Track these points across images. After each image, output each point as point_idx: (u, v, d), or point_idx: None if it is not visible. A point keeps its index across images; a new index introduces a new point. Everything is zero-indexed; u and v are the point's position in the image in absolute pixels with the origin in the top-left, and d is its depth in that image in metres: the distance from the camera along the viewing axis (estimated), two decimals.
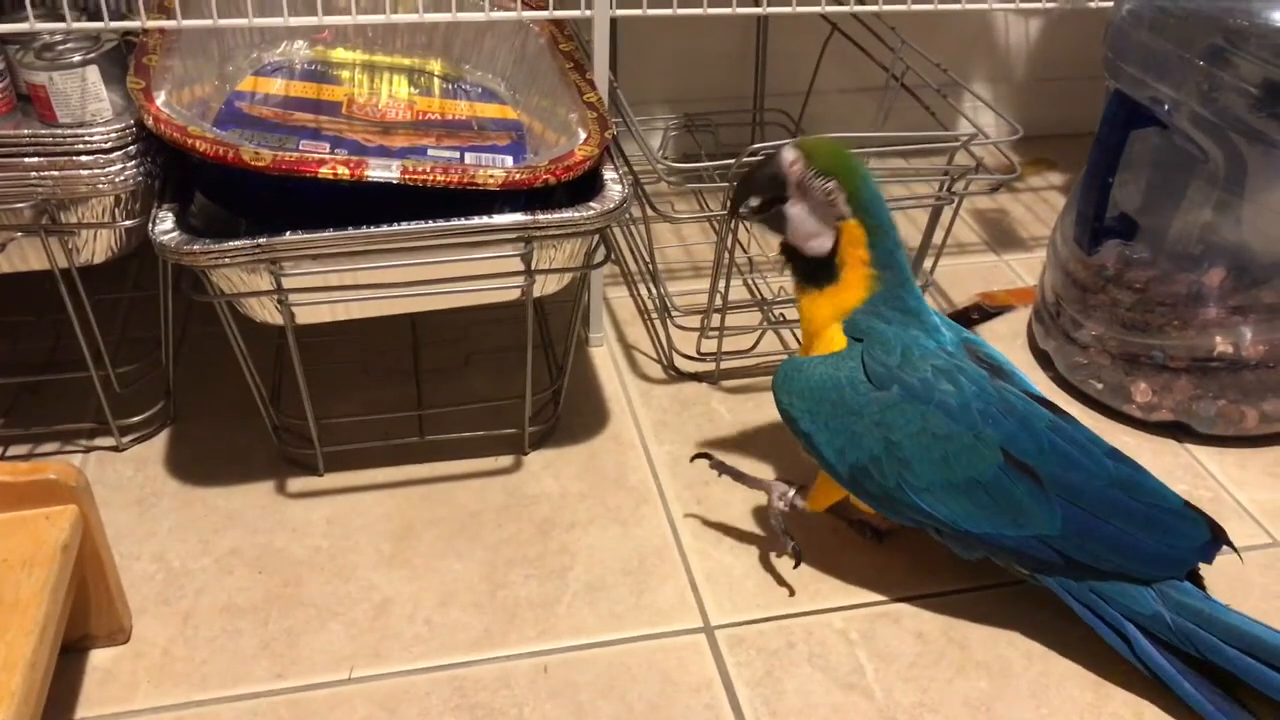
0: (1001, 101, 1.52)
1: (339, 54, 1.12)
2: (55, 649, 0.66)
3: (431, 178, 0.81)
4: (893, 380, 0.78)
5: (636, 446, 1.01)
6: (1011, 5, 1.06)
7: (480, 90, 1.11)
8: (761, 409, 1.06)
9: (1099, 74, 1.02)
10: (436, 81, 1.12)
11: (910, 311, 0.81)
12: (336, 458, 0.97)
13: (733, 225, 0.97)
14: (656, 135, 1.43)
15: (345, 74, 1.10)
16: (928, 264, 1.07)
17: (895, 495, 0.79)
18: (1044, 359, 1.13)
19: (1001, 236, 1.38)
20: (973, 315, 1.20)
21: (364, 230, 0.80)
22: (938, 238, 1.08)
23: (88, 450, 0.97)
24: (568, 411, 1.04)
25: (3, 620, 0.65)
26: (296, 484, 0.95)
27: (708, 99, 1.45)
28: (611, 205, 0.85)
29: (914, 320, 0.81)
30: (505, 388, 1.06)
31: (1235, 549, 0.80)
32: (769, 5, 1.00)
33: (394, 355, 1.11)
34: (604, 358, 1.13)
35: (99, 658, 0.79)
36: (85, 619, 0.78)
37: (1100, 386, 1.05)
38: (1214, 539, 0.78)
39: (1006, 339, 1.17)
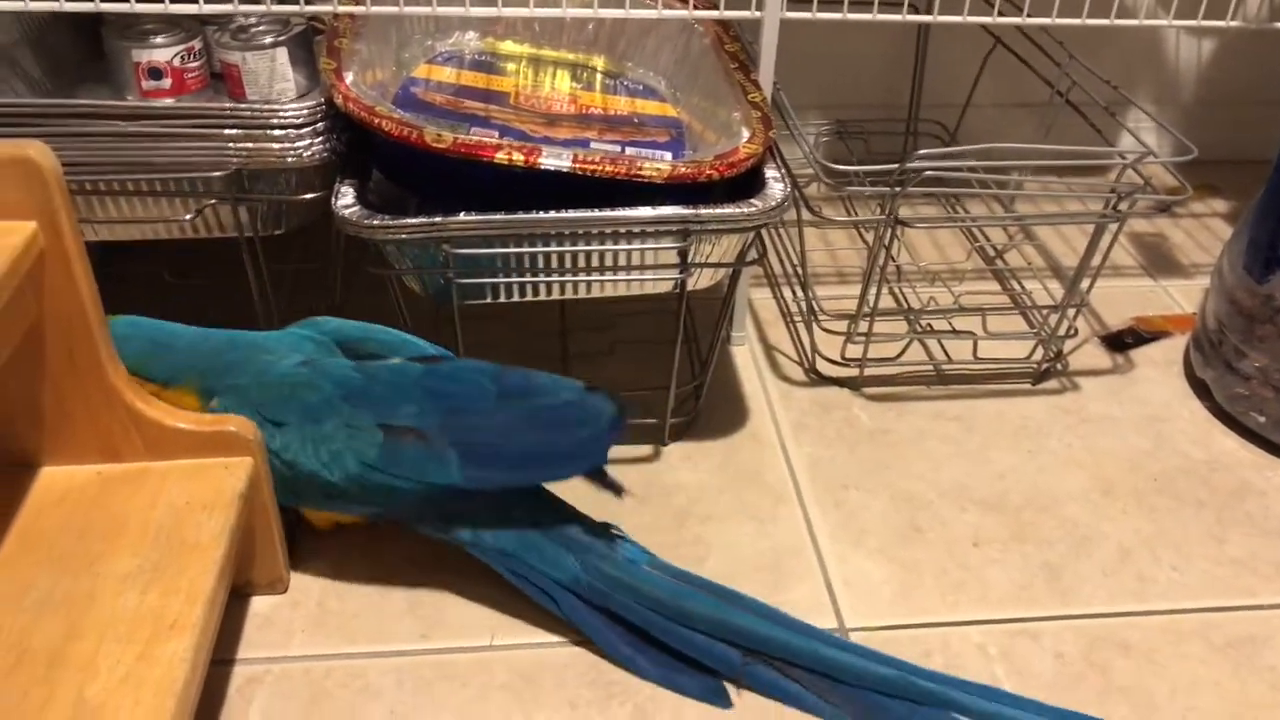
0: (1166, 123, 1.47)
1: (507, 46, 1.16)
2: (228, 589, 0.71)
3: (601, 168, 0.83)
4: (256, 416, 0.78)
5: (775, 446, 1.02)
6: (1191, 22, 1.03)
7: (641, 87, 1.13)
8: (903, 418, 1.05)
9: (1272, 99, 0.98)
10: (599, 77, 1.14)
11: (239, 362, 0.81)
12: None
13: (889, 231, 0.96)
14: (807, 141, 1.43)
15: (511, 66, 1.13)
16: (1084, 284, 1.05)
17: (335, 503, 0.81)
18: (1201, 388, 1.09)
19: (1159, 261, 1.34)
20: (1127, 339, 1.17)
21: (535, 215, 0.82)
22: (1096, 259, 1.06)
23: None
24: (707, 407, 1.05)
25: (186, 557, 0.69)
26: None
27: (861, 106, 1.45)
28: (773, 203, 0.86)
29: (254, 359, 0.81)
30: (646, 378, 1.08)
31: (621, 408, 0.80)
32: (939, 14, 1.00)
33: (543, 339, 1.14)
34: (745, 357, 1.14)
35: (259, 604, 0.84)
36: (249, 566, 0.82)
37: (1262, 420, 1.02)
38: (620, 409, 0.80)
39: (1162, 366, 1.14)
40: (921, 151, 0.91)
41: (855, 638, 0.83)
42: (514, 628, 0.83)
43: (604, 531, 0.83)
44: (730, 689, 0.78)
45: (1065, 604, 0.86)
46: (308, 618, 0.83)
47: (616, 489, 0.86)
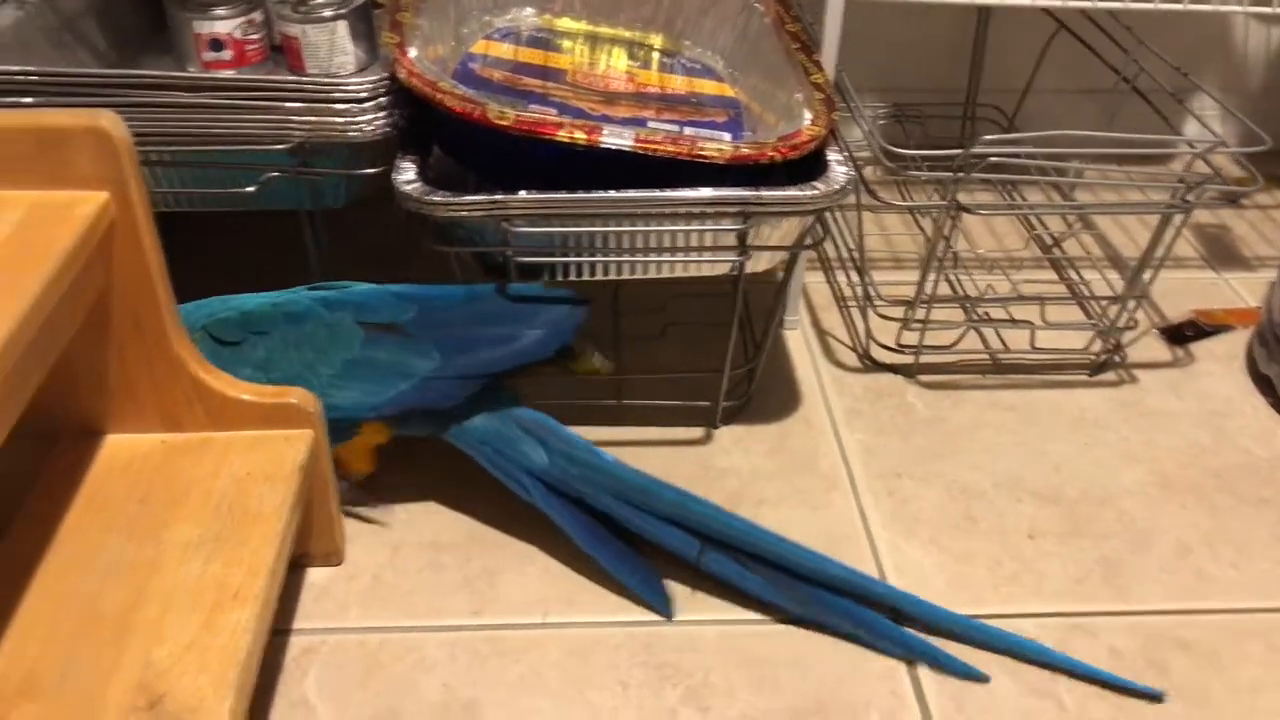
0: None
1: (564, 23, 1.15)
2: (287, 560, 0.71)
3: (663, 148, 0.82)
4: (241, 333, 0.83)
5: (828, 432, 1.01)
6: (1266, 9, 1.00)
7: (699, 66, 1.12)
8: (958, 406, 1.04)
9: None
10: (655, 55, 1.13)
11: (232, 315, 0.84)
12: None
13: (950, 217, 0.95)
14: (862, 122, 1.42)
15: (568, 43, 1.13)
16: (1146, 276, 1.03)
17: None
18: (1264, 384, 1.07)
19: (1221, 253, 1.31)
20: (1187, 332, 1.15)
21: (595, 195, 0.82)
22: (1159, 250, 1.04)
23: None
24: (759, 391, 1.04)
25: (248, 529, 0.69)
26: None
27: (918, 89, 1.43)
28: (837, 186, 0.85)
29: (240, 301, 0.86)
30: (699, 361, 1.08)
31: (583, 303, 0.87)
32: None
33: (595, 320, 1.13)
34: (798, 341, 1.13)
35: (315, 576, 0.85)
36: (307, 538, 0.83)
37: None
38: (574, 302, 0.86)
39: (1223, 360, 1.12)
40: (986, 137, 0.89)
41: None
42: (567, 606, 0.83)
43: (578, 438, 0.88)
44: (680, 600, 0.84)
45: (1122, 599, 0.85)
46: (363, 590, 0.83)
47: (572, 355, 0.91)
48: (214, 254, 1.20)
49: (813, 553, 0.83)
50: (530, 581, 0.85)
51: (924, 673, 0.79)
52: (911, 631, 0.81)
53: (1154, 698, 0.77)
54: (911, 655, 0.80)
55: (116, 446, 0.75)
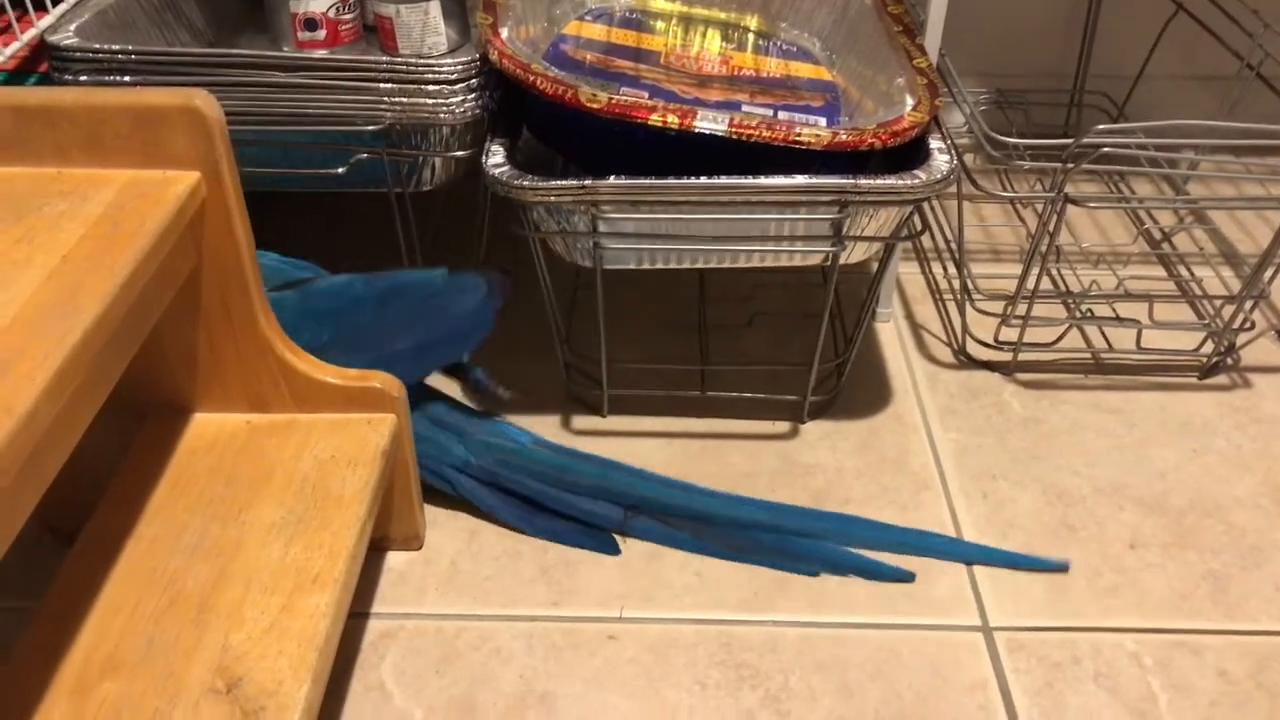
0: None
1: (658, 4, 1.13)
2: (367, 544, 0.71)
3: (758, 133, 0.80)
4: None
5: (919, 430, 0.97)
6: None
7: (795, 49, 1.09)
8: (1057, 407, 1.00)
9: None
10: (750, 37, 1.10)
11: None
12: (619, 401, 0.98)
13: (1056, 209, 0.91)
14: (965, 107, 1.37)
15: (661, 24, 1.10)
16: (1266, 275, 0.97)
17: None
18: None
19: None
20: None
21: (687, 181, 0.80)
22: None
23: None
24: (849, 385, 1.01)
25: (330, 513, 0.69)
26: (580, 422, 0.97)
27: (1023, 75, 1.37)
28: (938, 175, 0.81)
29: None
30: (785, 353, 1.05)
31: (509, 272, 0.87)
32: None
33: (681, 307, 1.12)
34: (890, 334, 1.10)
35: (394, 560, 0.84)
36: (387, 522, 0.83)
37: None
38: (490, 278, 0.86)
39: None
40: (1099, 127, 0.85)
41: (999, 636, 0.79)
42: (644, 601, 0.81)
43: (489, 419, 0.90)
44: (618, 542, 0.86)
45: (1231, 618, 0.80)
46: (441, 576, 0.83)
47: (498, 398, 0.96)
48: (308, 233, 1.21)
49: (731, 499, 0.87)
50: (607, 574, 0.83)
51: (1014, 687, 0.75)
52: (838, 547, 0.85)
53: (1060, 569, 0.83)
54: (840, 570, 0.83)
55: (203, 425, 0.76)
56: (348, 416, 0.77)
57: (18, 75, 0.93)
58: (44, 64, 0.90)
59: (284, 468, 0.73)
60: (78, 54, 0.84)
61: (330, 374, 0.76)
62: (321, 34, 1.03)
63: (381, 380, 0.76)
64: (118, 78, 0.85)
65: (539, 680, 0.76)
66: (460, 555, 0.85)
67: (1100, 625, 0.80)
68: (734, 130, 0.80)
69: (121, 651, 0.60)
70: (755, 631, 0.79)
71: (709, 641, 0.78)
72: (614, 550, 0.85)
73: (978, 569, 0.84)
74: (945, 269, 1.16)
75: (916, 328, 1.11)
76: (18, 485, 0.48)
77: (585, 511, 0.86)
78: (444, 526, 0.87)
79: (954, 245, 1.13)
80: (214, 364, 0.75)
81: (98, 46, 0.84)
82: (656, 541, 0.85)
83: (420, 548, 0.85)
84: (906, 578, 0.83)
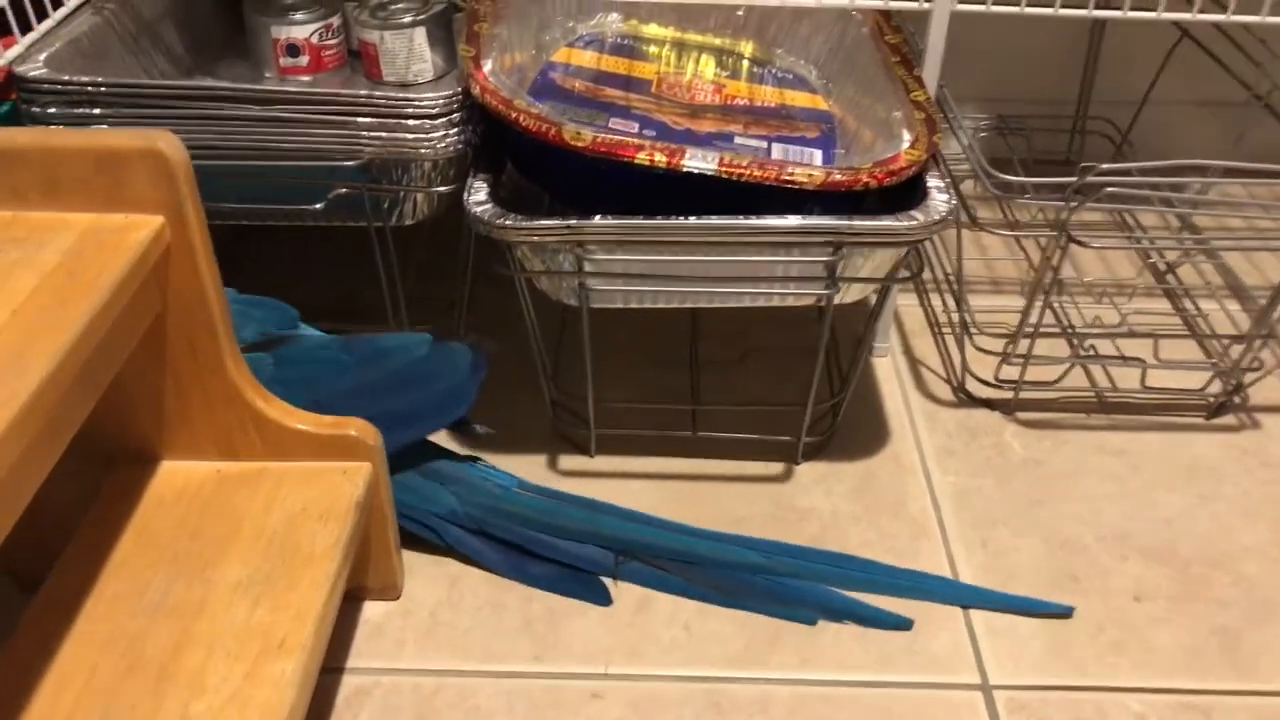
0: None
1: (651, 29, 1.10)
2: (339, 604, 0.68)
3: (749, 173, 0.77)
4: None
5: (917, 472, 0.94)
6: None
7: (790, 76, 1.06)
8: (1059, 449, 0.97)
9: None
10: (745, 64, 1.08)
11: None
12: (608, 441, 0.95)
13: (1060, 246, 0.88)
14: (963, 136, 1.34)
15: (654, 50, 1.08)
16: (1277, 313, 0.94)
17: None
18: None
19: None
20: None
21: (676, 222, 0.77)
22: None
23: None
24: (845, 423, 0.98)
25: (298, 571, 0.66)
26: (568, 462, 0.94)
27: (1024, 100, 1.34)
28: (936, 217, 0.78)
29: None
30: (780, 391, 1.02)
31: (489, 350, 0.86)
32: (1129, 9, 0.90)
33: (672, 343, 1.09)
34: (887, 370, 1.07)
35: (371, 610, 0.81)
36: (363, 571, 0.80)
37: None
38: (477, 352, 0.84)
39: None
40: (1105, 166, 0.82)
41: (999, 695, 0.76)
42: (630, 657, 0.78)
43: (473, 464, 0.86)
44: (609, 585, 0.83)
45: (1241, 678, 0.77)
46: (419, 628, 0.80)
47: (476, 435, 0.92)
48: (286, 262, 1.19)
49: (721, 539, 0.85)
50: (593, 627, 0.80)
51: None
52: (834, 591, 0.82)
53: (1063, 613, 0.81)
54: (838, 616, 0.81)
55: (171, 473, 0.73)
56: (321, 465, 0.74)
57: None
58: (14, 93, 0.88)
59: (252, 522, 0.70)
60: (45, 85, 0.81)
61: (303, 421, 0.73)
62: (304, 60, 1.00)
63: (357, 428, 0.74)
64: (87, 110, 0.82)
65: None
66: (440, 606, 0.82)
67: (1105, 684, 0.77)
68: (724, 170, 0.77)
69: None
70: (745, 690, 0.76)
71: (697, 700, 0.75)
72: (605, 600, 0.82)
73: (977, 622, 0.81)
74: (944, 301, 1.14)
75: (915, 363, 1.08)
76: None
77: (575, 557, 0.83)
78: (424, 574, 0.84)
79: (953, 278, 1.10)
80: (181, 410, 0.72)
81: (66, 78, 0.81)
82: (648, 586, 0.83)
83: (398, 597, 0.82)
84: (904, 625, 0.80)
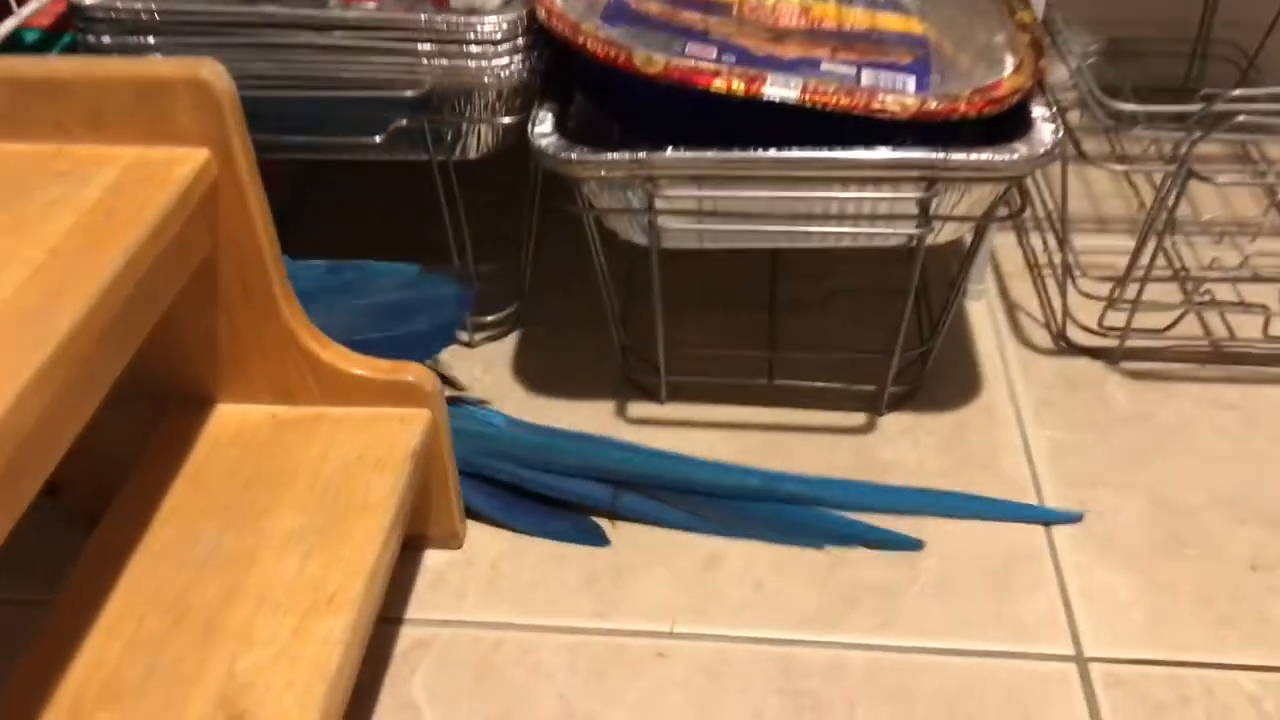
0: None
1: None
2: (394, 557, 0.65)
3: (835, 101, 0.71)
4: None
5: (1011, 425, 0.88)
6: None
7: None
8: (1168, 402, 0.90)
9: None
10: None
11: None
12: (679, 388, 0.91)
13: (1178, 183, 0.80)
14: (1071, 62, 1.24)
15: None
16: None
17: None
18: None
19: None
20: None
21: (754, 155, 0.71)
22: None
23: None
24: (933, 372, 0.92)
25: (352, 522, 0.64)
26: (636, 409, 0.90)
27: (1139, 22, 1.23)
28: (1041, 150, 0.71)
29: None
30: (864, 337, 0.96)
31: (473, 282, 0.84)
32: None
33: (750, 284, 1.03)
34: (981, 315, 1.00)
35: (432, 559, 0.79)
36: (424, 520, 0.77)
37: None
38: (463, 284, 0.82)
39: None
40: (1236, 92, 0.73)
41: (1095, 668, 0.71)
42: (697, 616, 0.75)
43: (460, 405, 0.83)
44: (606, 526, 0.80)
45: None
46: (481, 580, 0.77)
47: (454, 384, 0.88)
48: (343, 201, 1.16)
49: (720, 467, 0.82)
50: (659, 585, 0.77)
51: None
52: (836, 515, 0.80)
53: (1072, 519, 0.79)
54: (845, 540, 0.78)
55: (226, 417, 0.71)
56: (379, 411, 0.71)
57: (52, 35, 0.88)
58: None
59: (307, 468, 0.67)
60: (99, 13, 0.78)
61: (360, 366, 0.70)
62: None
63: (415, 373, 0.70)
64: (142, 38, 0.79)
65: (580, 701, 0.70)
66: (502, 557, 0.79)
67: (1214, 661, 0.71)
68: (808, 98, 0.71)
69: (121, 676, 0.56)
70: (818, 654, 0.72)
71: (767, 664, 0.72)
72: (602, 541, 0.79)
73: (1072, 588, 0.75)
74: (1045, 241, 1.06)
75: (1011, 307, 1.00)
76: None
77: (571, 493, 0.80)
78: (486, 527, 0.81)
79: (1055, 216, 1.02)
80: (236, 353, 0.69)
81: (120, 5, 0.78)
82: (649, 520, 0.80)
83: (460, 547, 0.79)
84: (914, 545, 0.78)
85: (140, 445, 0.70)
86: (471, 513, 0.81)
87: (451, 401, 0.83)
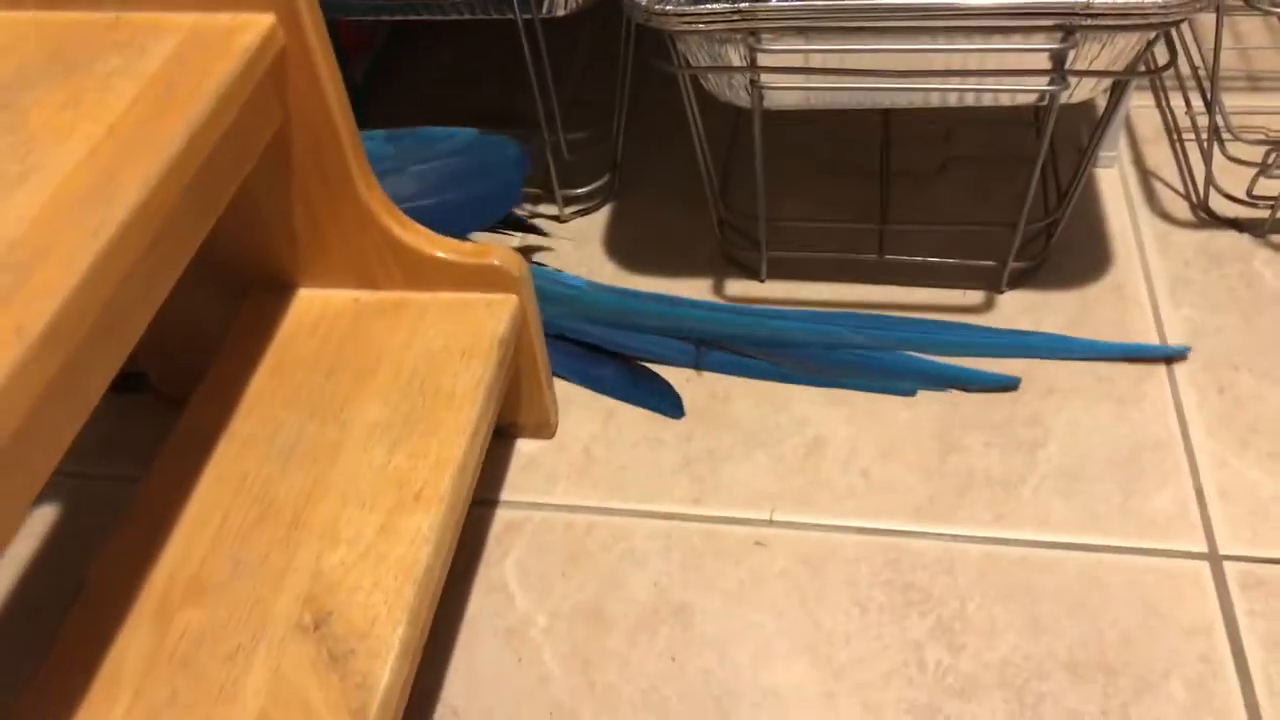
0: None
1: None
2: (485, 448, 0.63)
3: None
4: None
5: (1144, 304, 0.81)
6: None
7: None
8: None
9: None
10: None
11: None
12: (781, 264, 0.86)
13: None
14: None
15: None
16: None
17: None
18: None
19: None
20: None
21: (867, 2, 0.64)
22: None
23: (531, 216, 0.93)
24: (1058, 245, 0.85)
25: (439, 412, 0.61)
26: (734, 287, 0.86)
27: None
28: None
29: None
30: (982, 208, 0.89)
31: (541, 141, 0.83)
32: None
33: (859, 150, 0.96)
34: (1112, 183, 0.91)
35: (524, 443, 0.77)
36: (515, 409, 0.74)
37: None
38: (522, 144, 0.80)
39: None
40: None
41: (1230, 568, 0.65)
42: (799, 504, 0.71)
43: (539, 267, 0.83)
44: (689, 375, 0.79)
45: None
46: (573, 463, 0.75)
47: (536, 230, 0.86)
48: (443, 64, 1.11)
49: (807, 315, 0.81)
50: (759, 471, 0.73)
51: (1247, 634, 0.62)
52: (930, 358, 0.77)
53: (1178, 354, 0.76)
54: (939, 384, 0.76)
55: (308, 302, 0.68)
56: (464, 296, 0.67)
57: None
58: None
59: (391, 356, 0.64)
60: None
61: (442, 248, 0.66)
62: None
63: (501, 257, 0.66)
64: None
65: (675, 590, 0.67)
66: (595, 441, 0.76)
67: None
68: None
69: (206, 572, 0.54)
70: (929, 546, 0.68)
71: (873, 556, 0.68)
72: (678, 412, 0.77)
73: (1207, 480, 0.70)
74: (1188, 102, 0.96)
75: (1146, 175, 0.92)
76: (29, 430, 0.40)
77: (654, 352, 0.80)
78: (579, 407, 0.78)
79: (1201, 72, 0.92)
80: (315, 235, 0.66)
81: None
82: (732, 374, 0.79)
83: (552, 436, 0.77)
84: (1010, 383, 0.76)
85: (223, 329, 0.68)
86: (553, 373, 0.80)
87: (535, 264, 0.82)
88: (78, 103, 0.50)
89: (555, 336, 0.79)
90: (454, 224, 0.75)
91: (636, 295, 0.82)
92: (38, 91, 0.51)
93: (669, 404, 0.77)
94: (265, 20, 0.55)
